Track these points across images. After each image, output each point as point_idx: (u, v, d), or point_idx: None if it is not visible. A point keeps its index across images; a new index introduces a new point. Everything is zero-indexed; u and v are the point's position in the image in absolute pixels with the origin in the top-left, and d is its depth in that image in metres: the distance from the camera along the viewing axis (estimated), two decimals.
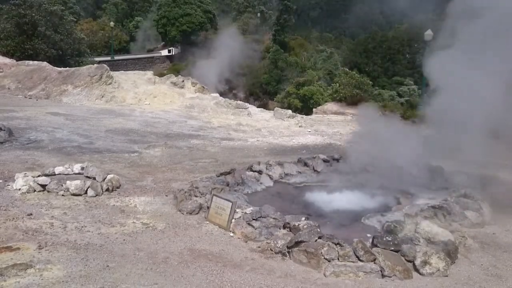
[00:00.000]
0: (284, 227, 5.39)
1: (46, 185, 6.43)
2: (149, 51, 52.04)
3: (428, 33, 21.27)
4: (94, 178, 6.77)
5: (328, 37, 62.30)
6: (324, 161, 8.41)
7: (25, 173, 6.62)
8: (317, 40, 55.35)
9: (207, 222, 5.74)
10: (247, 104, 17.67)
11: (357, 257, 4.67)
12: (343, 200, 6.76)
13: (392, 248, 4.87)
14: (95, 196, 6.41)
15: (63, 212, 5.75)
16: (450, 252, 4.87)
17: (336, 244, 4.79)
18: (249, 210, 5.70)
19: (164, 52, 49.19)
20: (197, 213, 5.99)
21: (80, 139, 10.34)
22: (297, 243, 4.85)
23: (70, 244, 4.81)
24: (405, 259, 4.79)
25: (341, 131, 14.15)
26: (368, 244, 4.92)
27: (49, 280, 4.03)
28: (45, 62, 18.88)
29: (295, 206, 6.57)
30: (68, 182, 6.44)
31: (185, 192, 6.48)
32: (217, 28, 47.46)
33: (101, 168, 7.35)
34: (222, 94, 22.73)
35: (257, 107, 20.12)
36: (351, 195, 6.95)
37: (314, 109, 20.48)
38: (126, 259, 4.57)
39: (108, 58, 40.10)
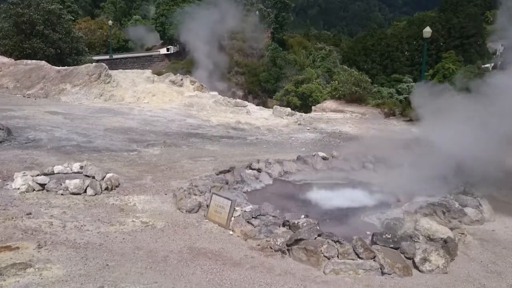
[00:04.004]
0: (284, 225, 5.39)
1: (45, 184, 6.42)
2: (148, 49, 51.95)
3: (427, 30, 21.26)
4: (93, 177, 6.76)
5: (327, 35, 62.35)
6: (323, 158, 8.42)
7: (24, 173, 6.60)
8: (315, 38, 55.38)
9: (207, 220, 5.74)
10: (246, 102, 17.65)
11: (356, 254, 4.67)
12: (342, 197, 6.76)
13: (392, 246, 4.88)
14: (94, 195, 6.40)
15: (62, 211, 5.74)
16: (450, 249, 4.88)
17: (335, 242, 4.79)
18: (248, 208, 5.70)
19: (163, 51, 49.11)
20: (196, 212, 5.99)
21: (79, 138, 10.32)
22: (297, 241, 4.85)
23: (69, 243, 4.80)
24: (405, 256, 4.80)
25: (340, 128, 14.16)
26: (368, 241, 4.92)
27: (48, 279, 4.02)
28: (44, 61, 18.84)
29: (294, 204, 6.57)
30: (67, 181, 6.43)
31: (185, 190, 6.48)
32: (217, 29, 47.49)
33: (100, 167, 7.33)
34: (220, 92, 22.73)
35: (256, 105, 20.09)
36: (350, 193, 6.95)
37: (313, 107, 20.48)
38: (126, 258, 4.57)
39: (107, 57, 40.05)
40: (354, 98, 18.76)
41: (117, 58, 42.02)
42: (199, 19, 38.62)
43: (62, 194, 6.31)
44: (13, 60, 19.53)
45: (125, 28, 54.49)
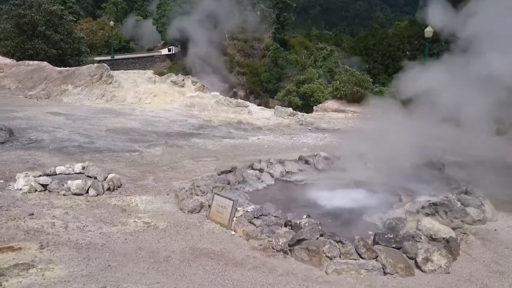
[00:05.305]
0: (286, 225, 5.39)
1: (47, 185, 6.43)
2: (149, 50, 51.99)
3: (429, 30, 21.22)
4: (95, 178, 6.76)
5: (328, 34, 62.29)
6: (325, 158, 8.41)
7: (26, 173, 6.62)
8: (317, 37, 55.36)
9: (209, 220, 5.74)
10: (247, 103, 17.65)
11: (358, 254, 4.66)
12: (344, 197, 6.75)
13: (394, 245, 4.87)
14: (96, 196, 6.41)
15: (64, 211, 5.75)
16: (452, 249, 4.87)
17: (337, 242, 4.78)
18: (250, 208, 5.70)
19: (164, 51, 49.13)
20: (198, 212, 5.99)
21: (81, 139, 10.34)
22: (299, 241, 4.85)
23: (71, 243, 4.81)
24: (407, 256, 4.79)
25: (342, 128, 14.15)
26: (370, 241, 4.92)
27: (51, 280, 4.03)
28: (45, 62, 18.87)
29: (296, 204, 6.56)
30: (69, 181, 6.44)
31: (186, 190, 6.48)
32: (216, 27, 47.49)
33: (102, 168, 7.35)
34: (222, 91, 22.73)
35: (258, 105, 20.10)
36: (352, 193, 6.94)
37: (314, 107, 20.48)
38: (128, 258, 4.57)
39: (108, 58, 40.08)
40: (355, 98, 18.76)
41: (118, 59, 42.04)
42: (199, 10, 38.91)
43: (64, 195, 6.32)
44: (15, 61, 19.57)
45: (123, 26, 54.68)
